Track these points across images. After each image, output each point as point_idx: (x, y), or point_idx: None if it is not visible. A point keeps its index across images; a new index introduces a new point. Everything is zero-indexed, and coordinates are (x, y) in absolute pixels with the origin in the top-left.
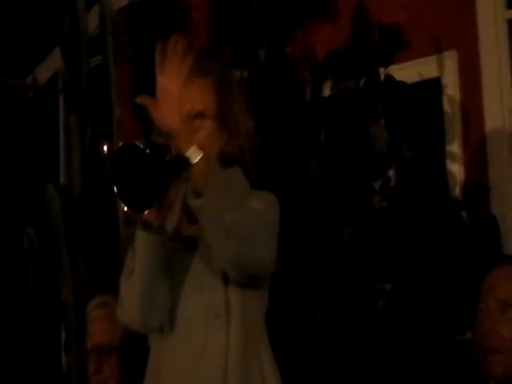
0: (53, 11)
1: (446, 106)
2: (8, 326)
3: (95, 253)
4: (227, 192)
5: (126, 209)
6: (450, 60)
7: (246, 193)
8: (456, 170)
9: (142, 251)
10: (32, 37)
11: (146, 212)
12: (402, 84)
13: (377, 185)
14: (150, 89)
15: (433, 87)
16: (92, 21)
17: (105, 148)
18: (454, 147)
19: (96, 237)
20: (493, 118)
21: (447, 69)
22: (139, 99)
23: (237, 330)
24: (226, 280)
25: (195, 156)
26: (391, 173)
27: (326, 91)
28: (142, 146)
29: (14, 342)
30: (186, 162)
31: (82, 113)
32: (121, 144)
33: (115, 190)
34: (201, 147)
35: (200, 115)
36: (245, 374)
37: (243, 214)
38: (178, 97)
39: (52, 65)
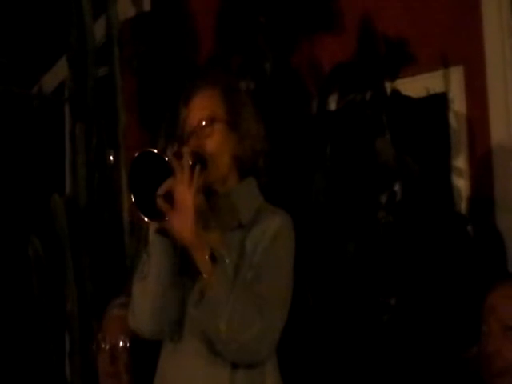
0: (59, 21)
1: (452, 121)
2: (12, 335)
3: (100, 262)
4: (229, 287)
5: (146, 219)
6: (457, 75)
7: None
8: (462, 184)
9: (157, 255)
10: (38, 46)
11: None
12: (408, 98)
13: (382, 199)
14: (156, 99)
15: (439, 102)
16: (98, 31)
17: (111, 157)
18: (460, 162)
19: (101, 246)
20: (499, 133)
21: (453, 83)
22: (159, 201)
23: None
24: None
25: (207, 268)
26: (397, 187)
27: (332, 104)
28: (159, 154)
29: (18, 351)
30: (202, 165)
31: (87, 122)
32: (138, 153)
33: (132, 199)
34: (213, 155)
35: (210, 120)
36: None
37: (240, 318)
38: (192, 208)
39: (58, 74)
